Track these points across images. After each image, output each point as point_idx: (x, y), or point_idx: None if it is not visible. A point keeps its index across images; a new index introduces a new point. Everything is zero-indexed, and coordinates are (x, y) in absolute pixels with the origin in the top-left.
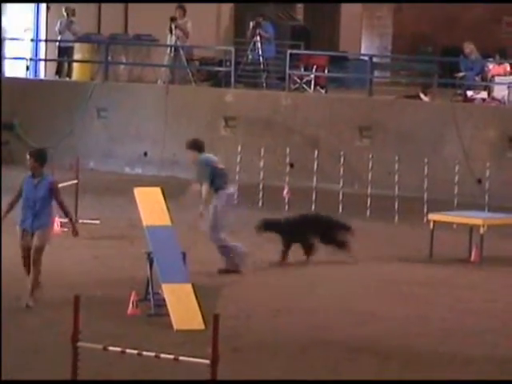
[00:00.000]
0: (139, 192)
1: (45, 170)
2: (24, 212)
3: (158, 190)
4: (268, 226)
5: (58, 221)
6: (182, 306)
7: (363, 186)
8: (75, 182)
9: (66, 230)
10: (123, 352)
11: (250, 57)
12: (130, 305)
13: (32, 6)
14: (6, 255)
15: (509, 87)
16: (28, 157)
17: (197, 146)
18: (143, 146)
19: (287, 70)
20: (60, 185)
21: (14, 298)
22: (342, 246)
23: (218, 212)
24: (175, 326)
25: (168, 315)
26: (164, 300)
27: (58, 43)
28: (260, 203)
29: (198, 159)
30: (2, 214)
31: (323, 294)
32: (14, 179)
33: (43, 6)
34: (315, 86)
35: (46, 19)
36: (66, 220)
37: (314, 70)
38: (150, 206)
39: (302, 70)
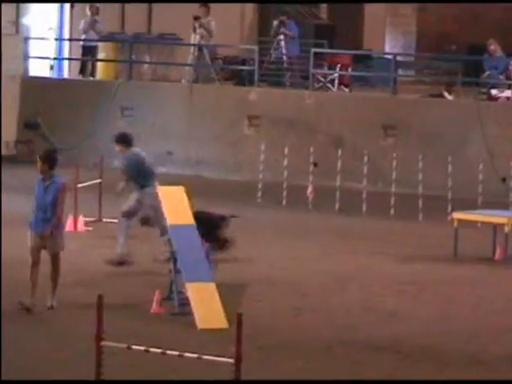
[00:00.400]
0: (163, 191)
1: (57, 172)
2: (35, 215)
3: (181, 189)
4: (147, 221)
5: (82, 220)
6: (206, 305)
7: (387, 185)
8: (99, 181)
9: (90, 229)
10: (147, 351)
11: (274, 55)
12: (154, 304)
13: (56, 5)
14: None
15: None
16: (38, 159)
17: (125, 140)
18: (167, 144)
19: (311, 69)
20: (84, 184)
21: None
22: (223, 244)
23: (141, 206)
24: (199, 325)
25: (192, 314)
26: (188, 299)
27: (81, 42)
28: (284, 202)
29: (126, 154)
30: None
31: (346, 293)
32: (35, 179)
33: (67, 5)
34: (339, 84)
35: (70, 18)
36: (90, 219)
37: (338, 68)
38: (174, 205)
39: (326, 68)
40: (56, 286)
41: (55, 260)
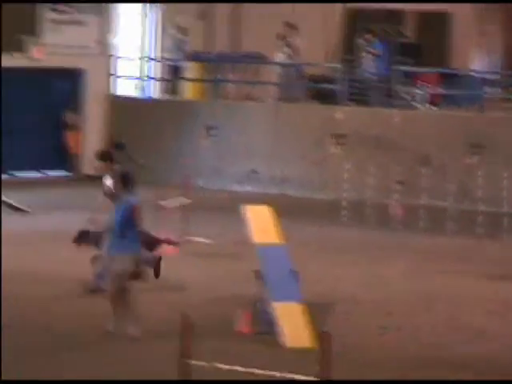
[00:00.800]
0: (249, 210)
1: (140, 191)
2: (109, 236)
3: (267, 208)
4: (85, 237)
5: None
6: (292, 324)
7: (473, 203)
8: (188, 201)
9: (177, 249)
10: (232, 370)
11: (359, 74)
12: (240, 322)
13: (143, 24)
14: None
15: None
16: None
17: (111, 157)
18: (252, 163)
19: (397, 87)
20: (171, 203)
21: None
22: (152, 263)
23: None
24: (285, 344)
25: (278, 333)
26: (274, 318)
27: (168, 62)
28: (368, 221)
29: (114, 172)
30: None
31: (432, 312)
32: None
33: (154, 24)
34: (429, 103)
35: (156, 38)
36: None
37: (424, 87)
38: (261, 224)
39: (412, 87)
40: (129, 308)
41: (120, 281)
